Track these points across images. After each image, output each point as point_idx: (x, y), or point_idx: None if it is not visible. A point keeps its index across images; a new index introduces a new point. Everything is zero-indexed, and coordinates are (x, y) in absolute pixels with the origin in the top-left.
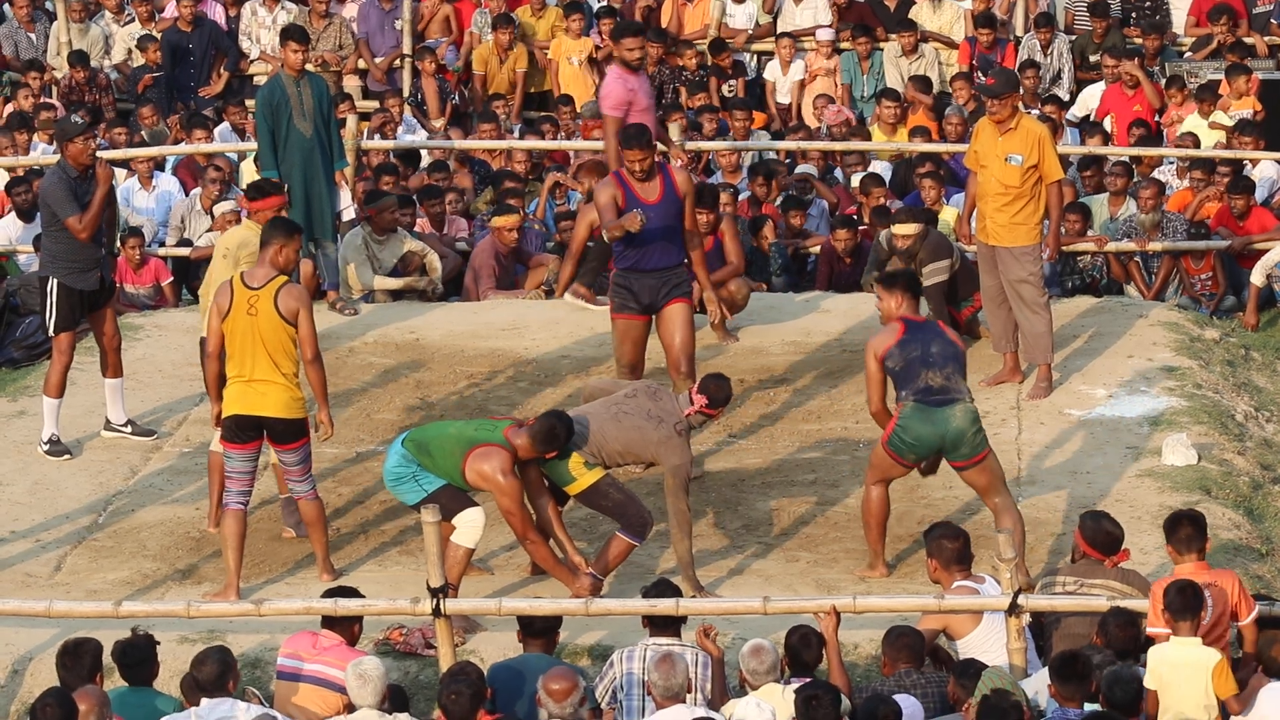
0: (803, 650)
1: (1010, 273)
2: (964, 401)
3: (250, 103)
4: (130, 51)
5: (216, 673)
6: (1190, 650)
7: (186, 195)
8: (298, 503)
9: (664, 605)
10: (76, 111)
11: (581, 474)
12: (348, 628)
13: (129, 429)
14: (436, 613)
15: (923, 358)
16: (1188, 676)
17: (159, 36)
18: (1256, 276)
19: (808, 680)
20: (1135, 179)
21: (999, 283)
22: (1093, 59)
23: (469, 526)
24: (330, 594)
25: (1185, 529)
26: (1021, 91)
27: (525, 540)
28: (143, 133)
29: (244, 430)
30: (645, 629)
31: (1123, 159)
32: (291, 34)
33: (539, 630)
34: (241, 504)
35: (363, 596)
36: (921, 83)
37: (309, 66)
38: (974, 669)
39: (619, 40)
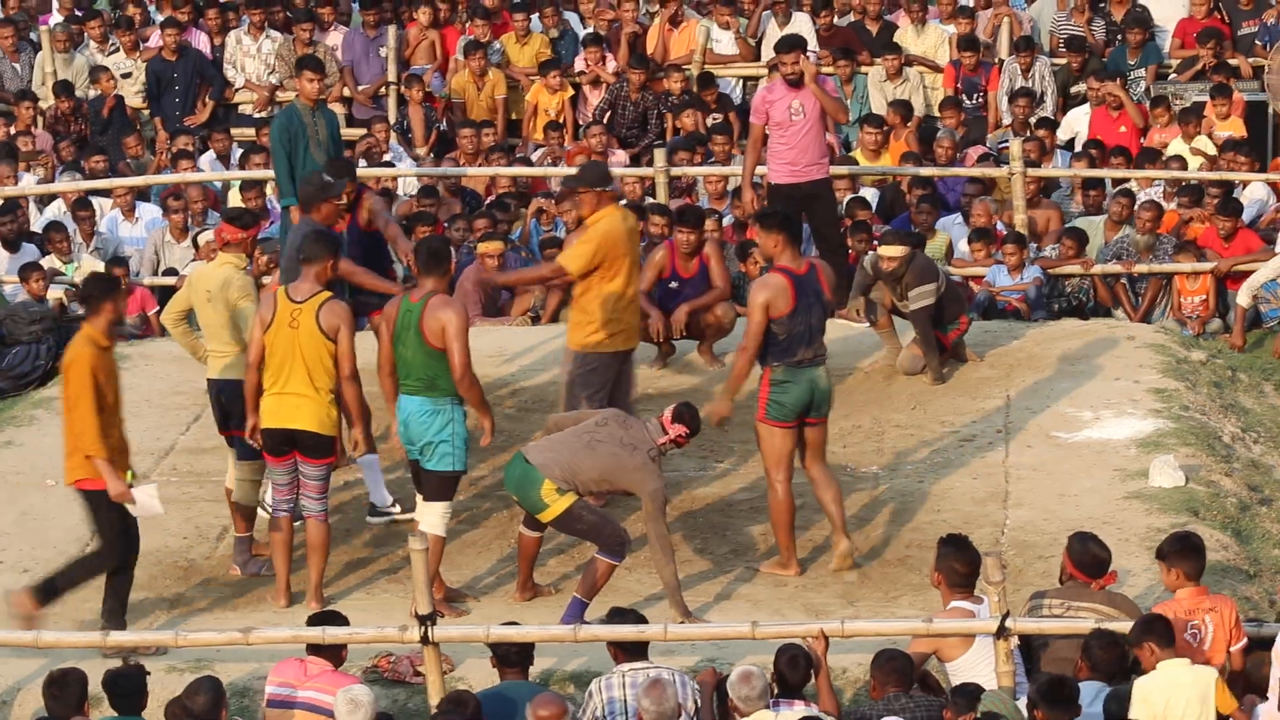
0: (790, 672)
1: (563, 372)
2: (824, 362)
3: (235, 131)
4: (115, 80)
5: (210, 702)
6: (1183, 671)
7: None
8: (306, 521)
9: (652, 631)
10: (330, 172)
11: (554, 500)
12: (334, 653)
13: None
14: (425, 640)
15: (805, 334)
16: (1186, 698)
17: (133, 67)
18: (1243, 298)
19: (797, 704)
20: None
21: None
22: (1074, 90)
23: (441, 516)
24: (317, 621)
25: (1196, 554)
26: (607, 189)
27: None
28: (127, 161)
29: (278, 443)
30: (612, 657)
31: (1127, 186)
32: (307, 63)
33: (515, 660)
34: (286, 512)
35: (347, 623)
36: (903, 107)
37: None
38: (970, 691)
39: (776, 54)
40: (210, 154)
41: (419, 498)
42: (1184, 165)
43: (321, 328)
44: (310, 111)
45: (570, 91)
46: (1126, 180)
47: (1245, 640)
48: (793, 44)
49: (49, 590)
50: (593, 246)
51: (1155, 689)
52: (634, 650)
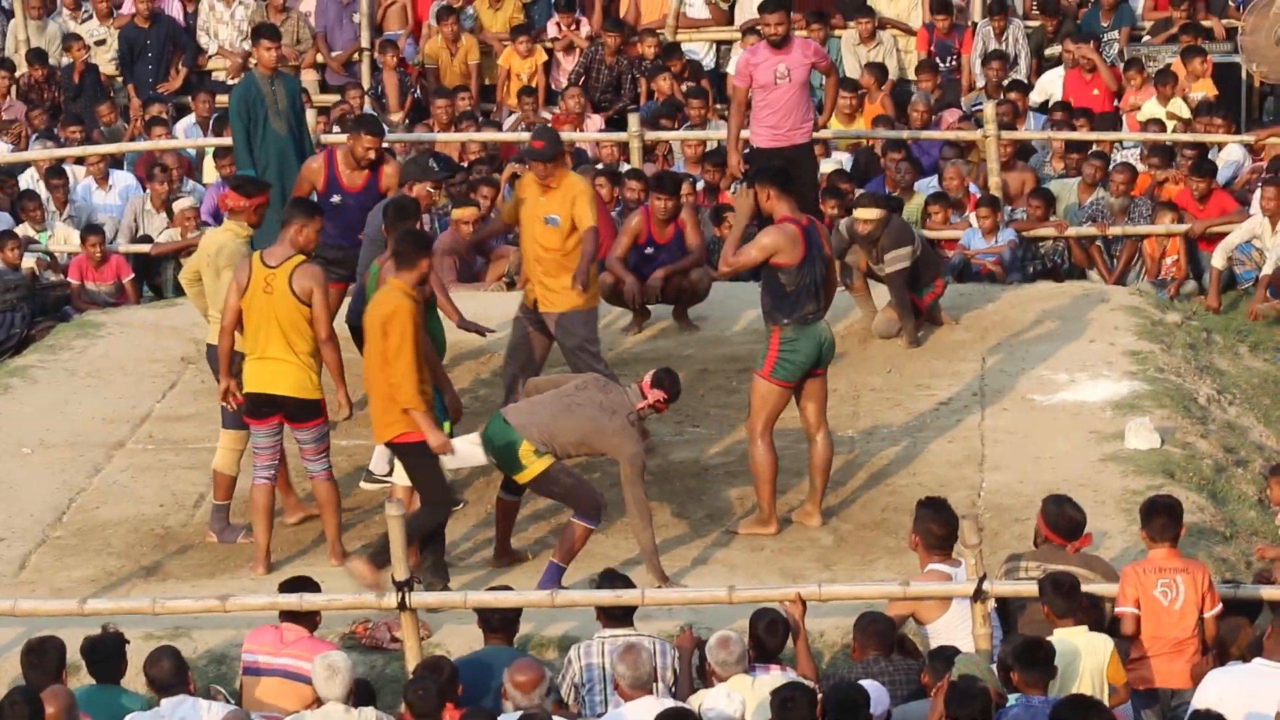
0: (768, 637)
1: (567, 340)
2: (824, 316)
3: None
4: (89, 49)
5: (172, 669)
6: (1077, 639)
7: (145, 191)
8: (312, 483)
9: (629, 596)
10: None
11: (531, 462)
12: (309, 618)
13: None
14: (402, 606)
15: (810, 285)
16: (1081, 666)
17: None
18: (1218, 259)
19: (773, 669)
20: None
21: (536, 348)
22: (1048, 52)
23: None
24: (292, 587)
25: (1161, 518)
26: (564, 147)
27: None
28: (100, 129)
29: (260, 406)
30: (599, 621)
31: (1100, 149)
32: (263, 32)
33: (498, 625)
34: (268, 478)
35: (319, 589)
36: (877, 70)
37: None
38: (947, 654)
39: (760, 15)
40: (188, 120)
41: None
42: (1161, 128)
43: (295, 292)
44: (269, 80)
45: (543, 56)
46: (1101, 143)
47: (1219, 607)
48: (778, 5)
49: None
50: (594, 198)
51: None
52: (618, 616)
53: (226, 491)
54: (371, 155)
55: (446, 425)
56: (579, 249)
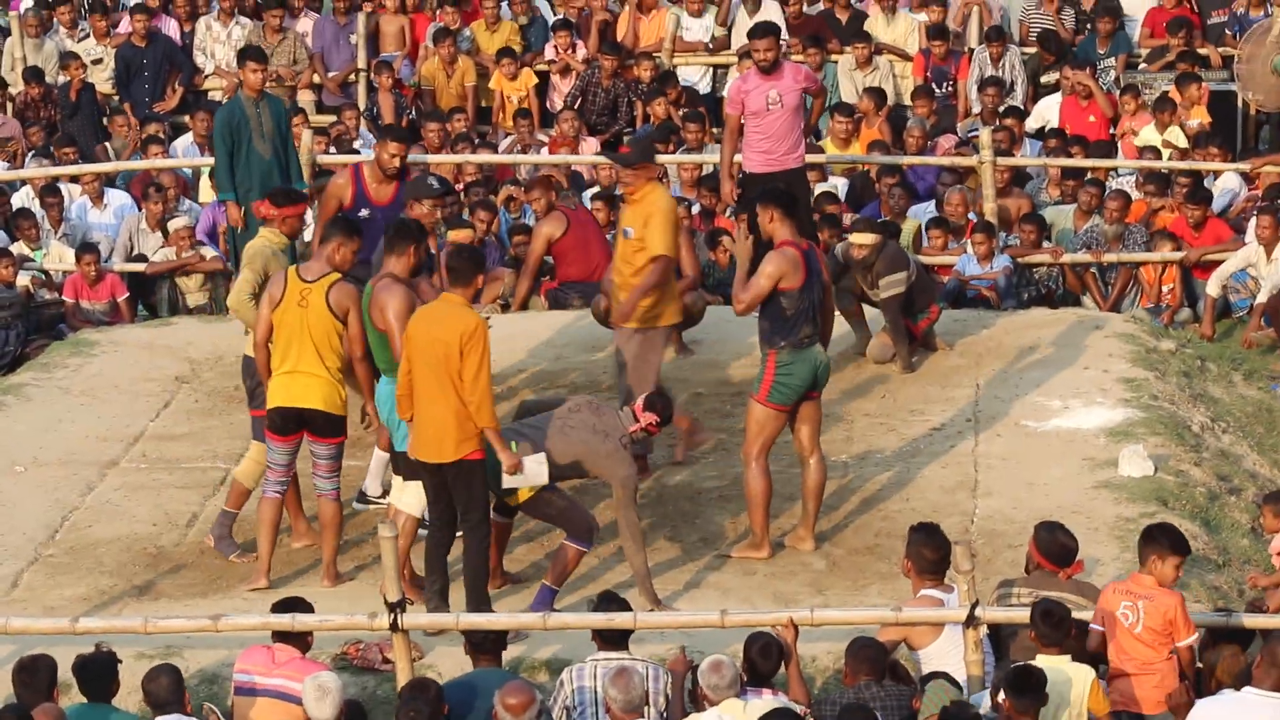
0: (762, 660)
1: (619, 355)
2: (828, 342)
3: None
4: (86, 67)
5: (170, 686)
6: (1060, 668)
7: (140, 211)
8: (318, 500)
9: (622, 619)
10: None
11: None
12: (300, 639)
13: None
14: (394, 627)
15: (808, 309)
16: (1060, 693)
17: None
18: (1212, 287)
19: (765, 693)
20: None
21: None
22: (1045, 79)
23: (416, 496)
24: (284, 607)
25: (1149, 542)
26: (655, 161)
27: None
28: (108, 144)
29: (286, 422)
30: (594, 644)
31: (1096, 176)
32: (250, 54)
33: (488, 647)
34: (278, 493)
35: (312, 609)
36: (875, 95)
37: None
38: (933, 680)
39: (750, 40)
40: (187, 138)
41: (395, 480)
42: (1156, 155)
43: (331, 308)
44: (254, 103)
45: (532, 79)
46: (1097, 170)
47: (1195, 636)
48: (767, 30)
49: (478, 598)
50: (671, 222)
51: None
52: (613, 639)
53: (238, 501)
54: (397, 163)
55: (514, 445)
56: (646, 268)
